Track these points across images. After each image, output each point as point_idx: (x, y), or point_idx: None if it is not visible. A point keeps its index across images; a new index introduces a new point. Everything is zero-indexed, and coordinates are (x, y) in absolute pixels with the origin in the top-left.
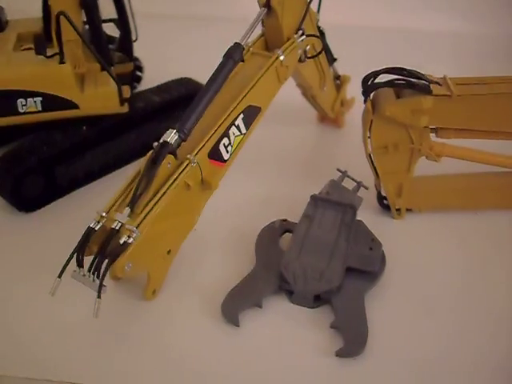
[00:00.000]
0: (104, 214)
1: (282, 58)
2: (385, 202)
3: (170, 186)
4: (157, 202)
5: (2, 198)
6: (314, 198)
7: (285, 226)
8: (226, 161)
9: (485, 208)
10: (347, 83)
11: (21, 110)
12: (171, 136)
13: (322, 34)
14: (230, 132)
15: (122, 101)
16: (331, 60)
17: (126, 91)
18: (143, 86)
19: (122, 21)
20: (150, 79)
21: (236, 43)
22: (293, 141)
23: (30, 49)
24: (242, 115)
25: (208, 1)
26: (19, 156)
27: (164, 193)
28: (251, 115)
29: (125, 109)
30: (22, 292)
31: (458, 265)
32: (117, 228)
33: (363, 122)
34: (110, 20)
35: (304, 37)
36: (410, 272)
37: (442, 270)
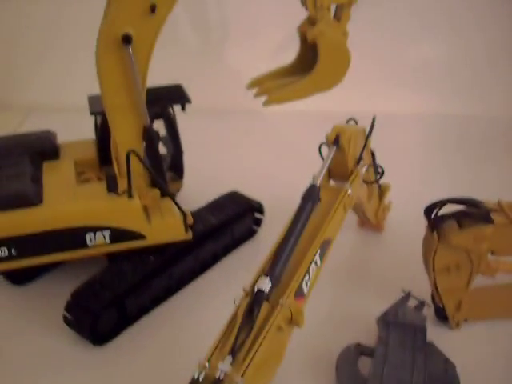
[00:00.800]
0: (206, 364)
1: (349, 191)
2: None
3: (267, 332)
4: (257, 349)
5: (77, 333)
6: (384, 320)
7: (360, 350)
8: (306, 295)
9: None
10: (388, 191)
11: (89, 244)
12: (265, 284)
13: (372, 155)
14: (310, 269)
15: (187, 228)
16: (379, 172)
17: (190, 218)
18: None
19: (174, 140)
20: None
21: (312, 185)
22: (340, 250)
23: (90, 178)
24: (318, 251)
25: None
26: (94, 292)
27: (262, 339)
28: (325, 248)
29: (189, 236)
30: None
31: None
32: (221, 378)
33: (427, 248)
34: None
35: (366, 167)
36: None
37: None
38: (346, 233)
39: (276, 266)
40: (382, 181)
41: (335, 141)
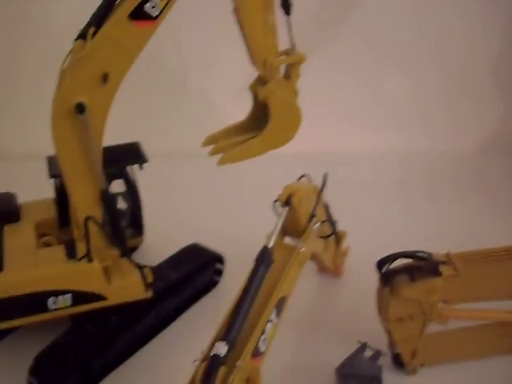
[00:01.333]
0: None
1: (303, 249)
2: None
3: None
4: None
5: None
6: (341, 372)
7: None
8: (263, 353)
9: (490, 356)
10: (344, 238)
11: (51, 308)
12: (221, 348)
13: (326, 209)
14: (267, 328)
15: (147, 287)
16: (333, 226)
17: (149, 276)
18: None
19: (133, 198)
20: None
21: (264, 248)
22: (300, 297)
23: (50, 241)
24: (274, 309)
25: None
26: (58, 355)
27: None
28: (281, 305)
29: (149, 294)
30: None
31: None
32: None
33: (380, 301)
34: (117, 194)
35: (319, 224)
36: None
37: None
38: (306, 279)
39: (231, 329)
40: (339, 226)
41: (287, 201)
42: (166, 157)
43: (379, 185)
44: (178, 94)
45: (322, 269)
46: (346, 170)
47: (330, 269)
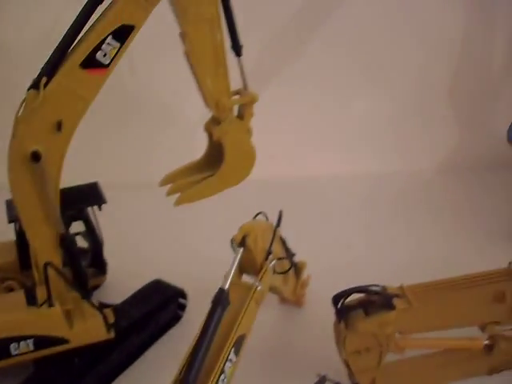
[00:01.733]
0: None
1: (259, 287)
2: None
3: None
4: None
5: None
6: None
7: None
8: None
9: (446, 382)
10: (304, 269)
11: (13, 353)
12: None
13: (283, 242)
14: (226, 368)
15: (109, 328)
16: (291, 257)
17: (110, 316)
18: None
19: (93, 239)
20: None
21: (220, 290)
22: (262, 328)
23: (11, 286)
24: (233, 348)
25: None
26: None
27: None
28: (240, 343)
29: (111, 335)
30: None
31: None
32: None
33: (337, 336)
34: (77, 233)
35: (275, 261)
36: None
37: None
38: (268, 310)
39: (190, 373)
40: (299, 256)
41: (242, 242)
42: (125, 189)
43: (343, 209)
44: (136, 125)
45: (284, 299)
46: (312, 195)
47: (291, 299)
